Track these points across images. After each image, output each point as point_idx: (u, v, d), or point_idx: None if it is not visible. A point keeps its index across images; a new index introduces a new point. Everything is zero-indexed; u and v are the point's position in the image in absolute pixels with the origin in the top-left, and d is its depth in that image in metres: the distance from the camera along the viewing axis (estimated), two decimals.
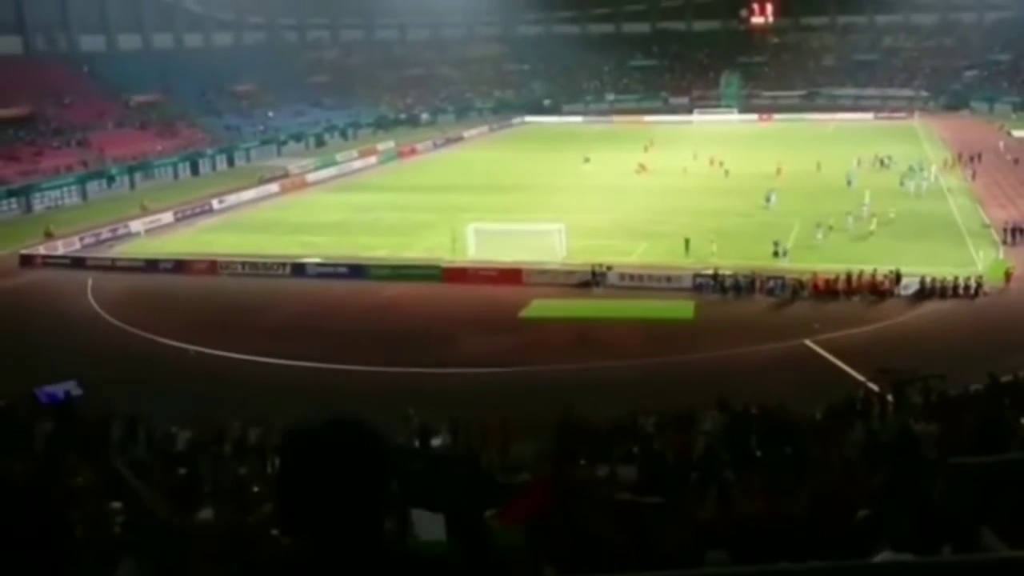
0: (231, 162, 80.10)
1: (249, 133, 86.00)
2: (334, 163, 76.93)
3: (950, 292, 34.36)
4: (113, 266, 44.44)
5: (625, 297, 35.97)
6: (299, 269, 41.59)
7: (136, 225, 52.75)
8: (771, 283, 35.87)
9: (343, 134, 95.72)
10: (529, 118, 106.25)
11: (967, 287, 34.38)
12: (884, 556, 3.20)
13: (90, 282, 41.06)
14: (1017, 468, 2.95)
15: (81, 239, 49.55)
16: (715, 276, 36.49)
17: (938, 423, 11.68)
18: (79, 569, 2.65)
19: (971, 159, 62.22)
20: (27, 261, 45.58)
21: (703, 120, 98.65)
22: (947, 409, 14.35)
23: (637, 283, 37.28)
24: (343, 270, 40.89)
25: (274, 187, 66.24)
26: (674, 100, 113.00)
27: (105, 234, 50.68)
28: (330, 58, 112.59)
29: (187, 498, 9.17)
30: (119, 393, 20.94)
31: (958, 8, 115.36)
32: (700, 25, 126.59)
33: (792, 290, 35.28)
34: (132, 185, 68.82)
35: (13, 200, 60.49)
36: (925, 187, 53.91)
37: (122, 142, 72.26)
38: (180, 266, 43.26)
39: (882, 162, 62.75)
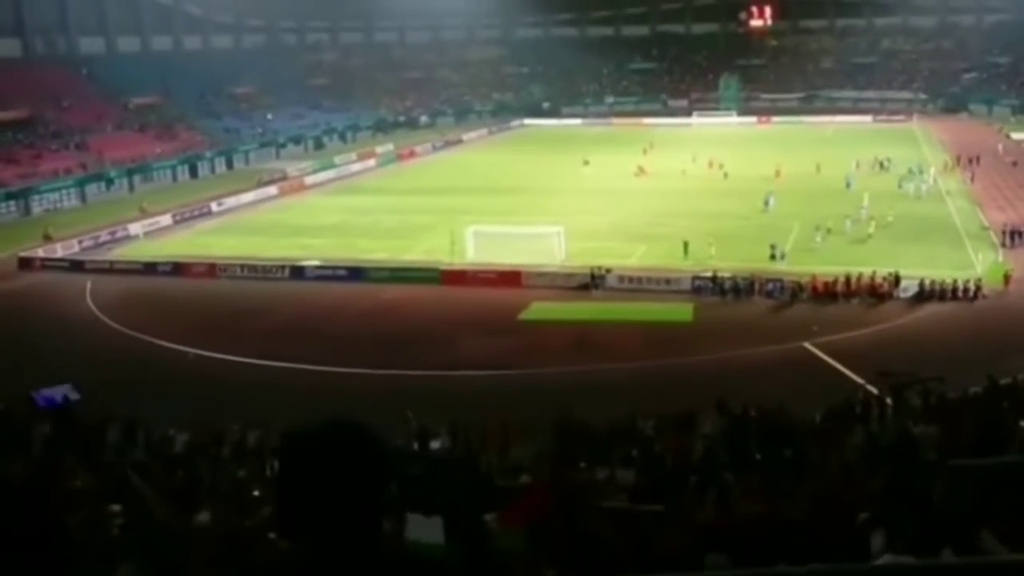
0: (230, 164, 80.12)
1: (248, 135, 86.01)
2: (333, 166, 76.98)
3: (949, 295, 34.33)
4: (112, 269, 44.41)
5: (624, 299, 35.99)
6: (298, 272, 41.61)
7: (135, 228, 52.80)
8: (770, 286, 35.86)
9: (342, 137, 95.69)
10: (528, 121, 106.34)
11: (966, 290, 34.36)
12: (885, 559, 3.19)
13: (89, 285, 41.06)
14: (1016, 470, 2.95)
15: (80, 242, 49.48)
16: (714, 278, 36.50)
17: (937, 426, 11.66)
18: (78, 572, 2.64)
19: (970, 161, 62.19)
20: (26, 264, 45.58)
21: (702, 123, 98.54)
22: (946, 412, 14.33)
23: (636, 285, 37.29)
24: (342, 272, 40.87)
25: (273, 190, 66.22)
26: (673, 103, 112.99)
27: (104, 237, 50.67)
28: (329, 61, 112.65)
29: (186, 501, 9.15)
30: (118, 396, 20.85)
31: (957, 11, 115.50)
32: (699, 28, 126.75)
33: (791, 293, 35.27)
34: (131, 188, 68.86)
35: (12, 203, 60.53)
36: (924, 189, 53.91)
37: (121, 145, 72.25)
38: (179, 269, 43.22)
39: (881, 164, 62.72)
